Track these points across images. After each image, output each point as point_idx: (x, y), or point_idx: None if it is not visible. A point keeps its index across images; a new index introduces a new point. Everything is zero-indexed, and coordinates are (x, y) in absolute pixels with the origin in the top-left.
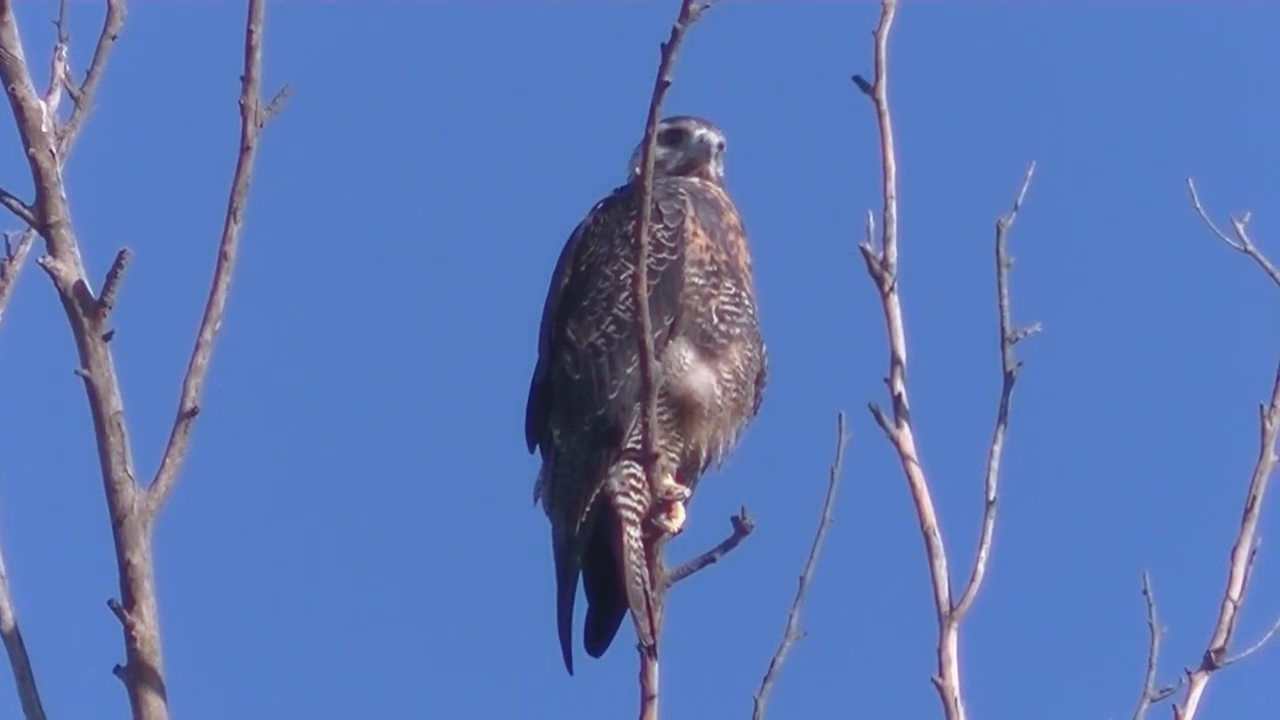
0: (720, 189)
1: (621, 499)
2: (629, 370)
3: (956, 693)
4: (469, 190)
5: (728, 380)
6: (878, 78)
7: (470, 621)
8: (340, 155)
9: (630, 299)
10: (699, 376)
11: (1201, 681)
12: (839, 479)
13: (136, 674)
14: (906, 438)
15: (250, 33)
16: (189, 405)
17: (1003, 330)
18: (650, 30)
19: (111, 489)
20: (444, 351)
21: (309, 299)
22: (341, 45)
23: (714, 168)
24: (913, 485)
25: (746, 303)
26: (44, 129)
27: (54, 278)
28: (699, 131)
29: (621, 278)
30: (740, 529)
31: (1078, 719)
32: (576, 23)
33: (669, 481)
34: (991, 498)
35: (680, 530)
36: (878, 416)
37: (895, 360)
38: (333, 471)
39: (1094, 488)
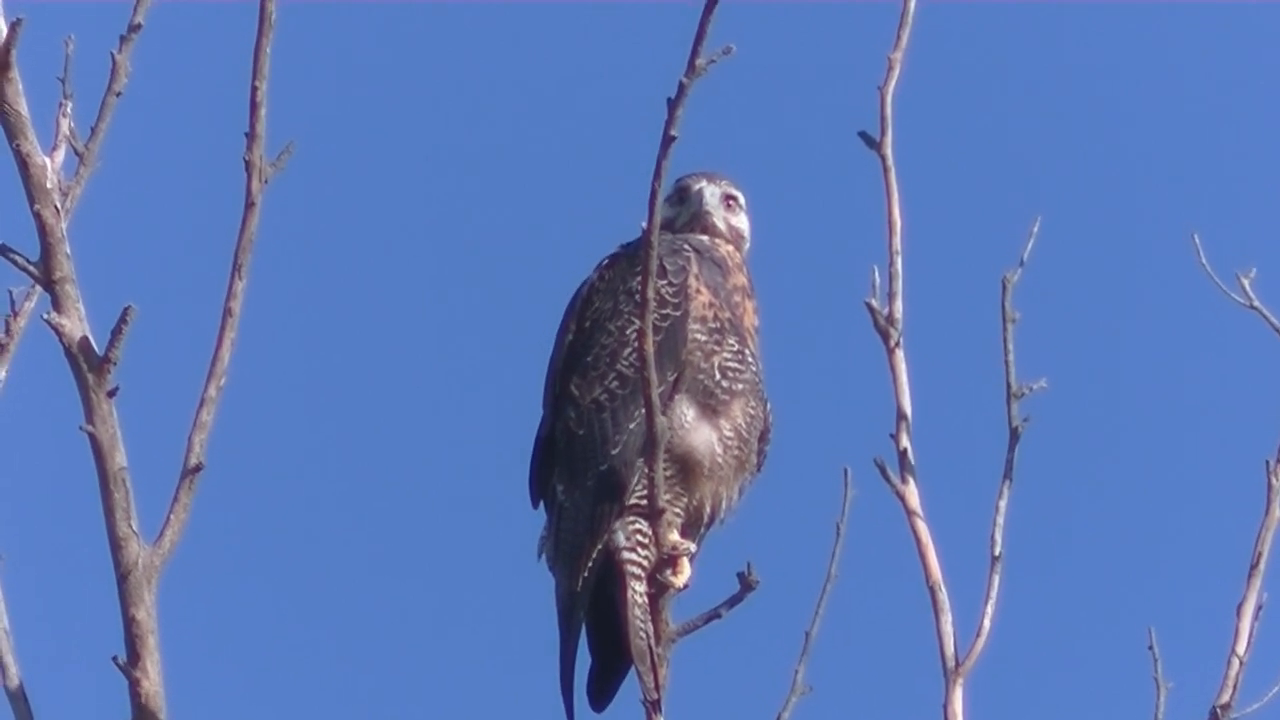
0: (732, 247)
1: (626, 554)
2: (632, 426)
3: None
4: (474, 247)
5: (729, 438)
6: (883, 133)
7: (474, 676)
8: (345, 211)
9: (634, 354)
10: (700, 434)
11: None
12: (844, 534)
13: None
14: (912, 493)
15: (254, 89)
16: (193, 461)
17: (1008, 386)
18: (656, 85)
19: (116, 545)
20: (449, 408)
21: (313, 355)
22: (346, 101)
23: (720, 221)
24: (918, 540)
25: (750, 360)
26: (49, 185)
27: (58, 334)
28: (697, 186)
29: (626, 333)
30: (746, 585)
31: None
32: (582, 82)
33: (674, 537)
34: (997, 553)
35: (685, 586)
36: (883, 472)
37: (901, 415)
38: (337, 527)
39: (1100, 543)
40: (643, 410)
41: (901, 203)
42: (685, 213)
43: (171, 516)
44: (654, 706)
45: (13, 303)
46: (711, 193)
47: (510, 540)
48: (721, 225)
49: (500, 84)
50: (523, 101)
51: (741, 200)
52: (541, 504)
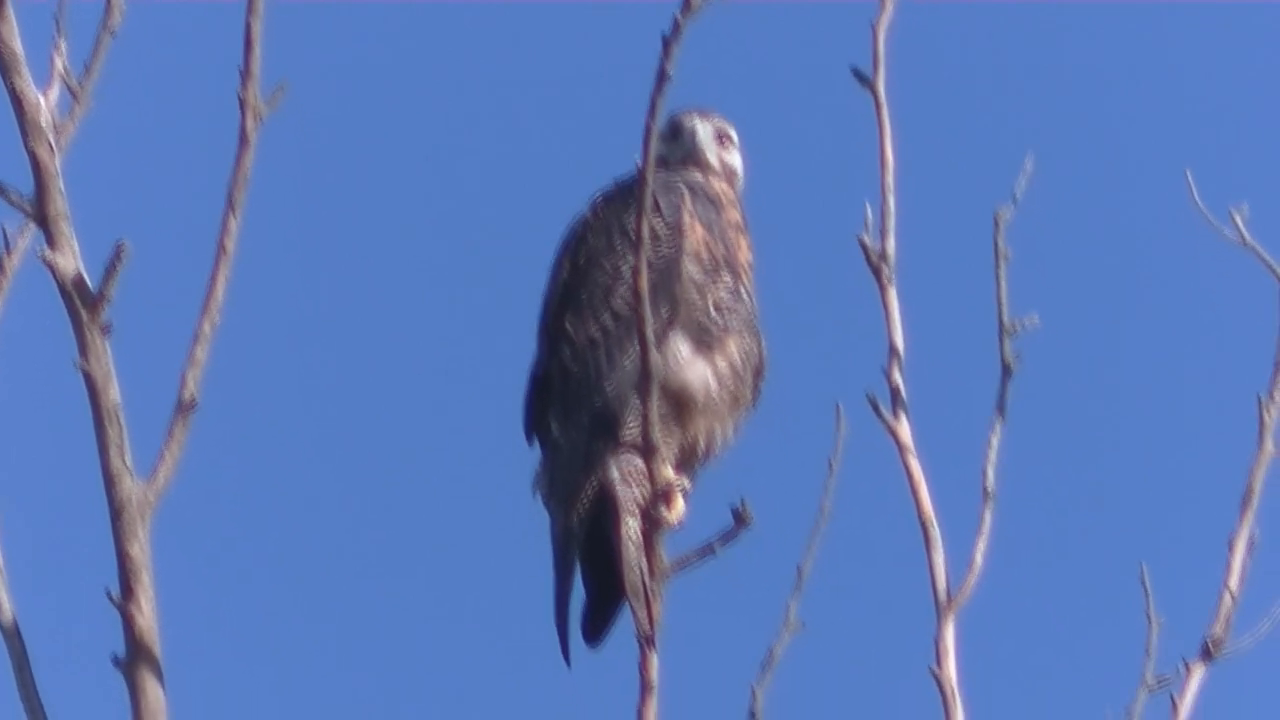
0: (725, 184)
1: (621, 490)
2: (627, 362)
3: (954, 683)
4: (468, 183)
5: (724, 373)
6: (876, 70)
7: (468, 613)
8: (338, 149)
9: (628, 291)
10: (695, 370)
11: (1199, 672)
12: (837, 471)
13: (135, 665)
14: (904, 429)
15: (249, 27)
16: (187, 397)
17: (1001, 322)
18: (652, 22)
19: (110, 481)
20: (442, 344)
21: (307, 292)
22: (340, 39)
23: (713, 158)
24: (911, 477)
25: (744, 296)
26: (43, 123)
27: (53, 271)
28: (690, 123)
29: (620, 270)
30: (740, 521)
31: (1075, 709)
32: (579, 14)
33: (669, 473)
34: (989, 489)
35: (680, 522)
36: (876, 408)
37: (893, 352)
38: (331, 464)
39: (1092, 479)
40: (637, 347)
41: (894, 139)
42: (678, 150)
43: (165, 452)
44: (648, 642)
45: (6, 240)
46: (705, 129)
47: (505, 477)
48: (715, 162)
49: (496, 24)
50: (518, 38)
51: (734, 137)
52: (536, 441)
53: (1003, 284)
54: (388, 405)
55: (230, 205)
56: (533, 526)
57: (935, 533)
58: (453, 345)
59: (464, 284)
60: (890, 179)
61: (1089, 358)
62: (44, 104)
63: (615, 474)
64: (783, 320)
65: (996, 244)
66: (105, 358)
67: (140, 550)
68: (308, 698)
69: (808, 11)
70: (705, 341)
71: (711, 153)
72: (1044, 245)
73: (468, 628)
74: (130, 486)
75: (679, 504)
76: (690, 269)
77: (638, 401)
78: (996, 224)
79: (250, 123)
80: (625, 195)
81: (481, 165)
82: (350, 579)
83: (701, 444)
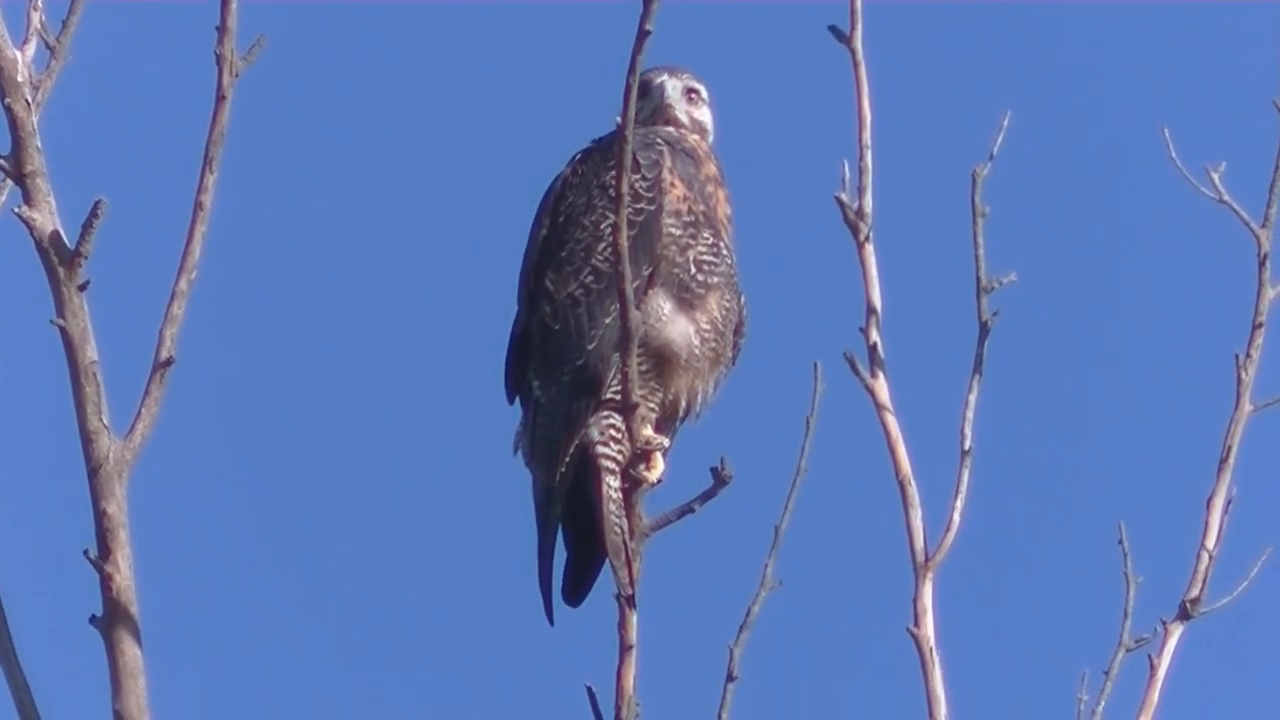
0: (699, 137)
1: (601, 449)
2: (608, 320)
3: (932, 642)
4: (446, 140)
5: (705, 330)
6: (853, 27)
7: (449, 572)
8: (315, 105)
9: (609, 249)
10: (677, 327)
11: (1177, 631)
12: (814, 429)
13: (112, 624)
14: (882, 387)
15: None
16: (164, 355)
17: (978, 280)
18: None
19: (87, 439)
20: (421, 302)
21: (284, 248)
22: None
23: (682, 114)
24: (888, 435)
25: (725, 253)
26: (19, 79)
27: (29, 227)
28: (659, 79)
29: (601, 228)
30: (719, 479)
31: (1053, 668)
32: None
33: (648, 432)
34: (967, 447)
35: (659, 481)
36: (853, 366)
37: (870, 310)
38: (309, 422)
39: (1069, 437)
40: (618, 305)
41: (871, 97)
42: (647, 106)
43: (142, 410)
44: (628, 601)
45: None
46: (673, 86)
47: (486, 436)
48: (684, 118)
49: None
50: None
51: (704, 93)
52: (517, 399)
53: (980, 242)
54: (367, 362)
55: (207, 161)
56: (514, 485)
57: (913, 491)
58: (433, 303)
59: (444, 240)
60: (867, 137)
61: (1066, 316)
62: (21, 59)
63: (595, 433)
64: (760, 278)
65: (974, 202)
66: (82, 315)
67: (117, 509)
68: (286, 655)
69: None
70: (687, 299)
71: (680, 109)
72: (1021, 203)
73: (449, 586)
74: (107, 445)
75: (659, 463)
76: (670, 226)
77: (619, 359)
78: (974, 181)
79: (227, 78)
80: (605, 153)
81: (462, 120)
82: (329, 537)
83: (683, 402)
